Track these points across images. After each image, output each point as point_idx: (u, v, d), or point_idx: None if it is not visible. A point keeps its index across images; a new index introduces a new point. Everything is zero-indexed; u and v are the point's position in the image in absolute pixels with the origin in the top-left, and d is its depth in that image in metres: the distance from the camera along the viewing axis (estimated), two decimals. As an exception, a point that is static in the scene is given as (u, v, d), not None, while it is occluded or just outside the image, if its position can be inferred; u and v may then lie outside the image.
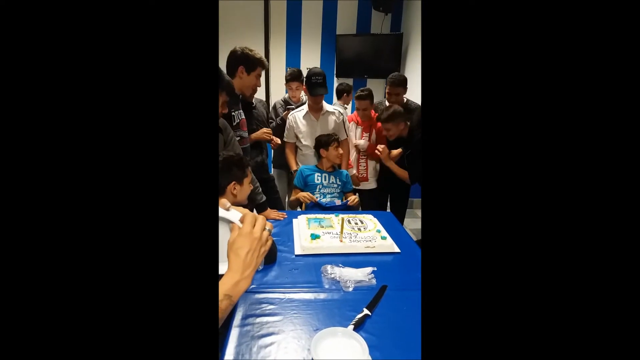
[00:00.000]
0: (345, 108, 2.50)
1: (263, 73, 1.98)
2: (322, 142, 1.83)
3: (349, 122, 2.11)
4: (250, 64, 1.54)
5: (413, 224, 2.94)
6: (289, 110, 2.11)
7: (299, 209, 1.83)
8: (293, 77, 2.19)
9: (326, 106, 1.97)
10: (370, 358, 0.71)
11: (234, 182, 1.13)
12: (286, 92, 2.40)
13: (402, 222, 2.28)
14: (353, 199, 1.79)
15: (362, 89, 2.07)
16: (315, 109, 1.94)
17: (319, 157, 1.90)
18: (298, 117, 1.97)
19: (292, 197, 1.86)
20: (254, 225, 0.51)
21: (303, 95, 2.32)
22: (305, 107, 1.97)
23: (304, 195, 1.77)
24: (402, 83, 2.09)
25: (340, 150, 1.86)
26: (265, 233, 0.53)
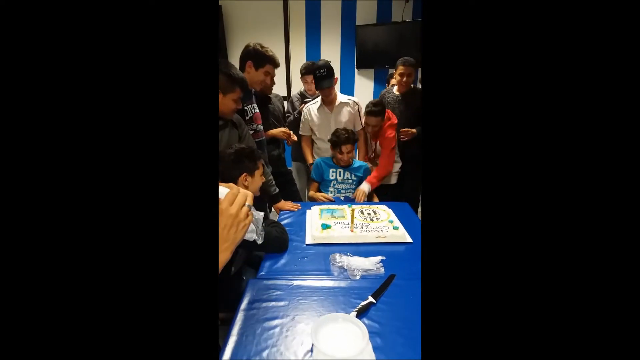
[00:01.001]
0: None
1: (284, 68, 2.01)
2: (332, 141, 1.79)
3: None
4: (259, 59, 1.56)
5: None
6: (305, 103, 2.11)
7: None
8: (308, 70, 2.19)
9: (340, 97, 1.95)
10: (369, 343, 0.72)
11: (245, 174, 1.16)
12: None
13: (416, 209, 2.25)
14: (360, 194, 1.75)
15: (373, 102, 1.86)
16: (328, 102, 1.93)
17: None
18: (312, 110, 1.97)
19: (311, 193, 1.86)
20: (232, 203, 0.53)
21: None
22: (319, 100, 1.96)
23: (321, 198, 1.77)
24: (414, 64, 2.02)
25: (349, 155, 1.78)
26: (245, 209, 0.54)
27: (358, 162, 1.89)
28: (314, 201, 1.82)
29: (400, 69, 2.01)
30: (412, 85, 2.07)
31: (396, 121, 1.91)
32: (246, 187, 1.18)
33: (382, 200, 1.87)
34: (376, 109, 1.81)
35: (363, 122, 1.99)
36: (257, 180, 1.21)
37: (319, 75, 1.80)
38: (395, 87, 2.11)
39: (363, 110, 2.00)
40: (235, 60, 1.65)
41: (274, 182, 1.61)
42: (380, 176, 1.85)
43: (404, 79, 2.01)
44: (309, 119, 1.98)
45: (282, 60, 2.15)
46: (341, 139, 1.74)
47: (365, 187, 1.78)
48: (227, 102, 1.28)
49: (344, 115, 1.94)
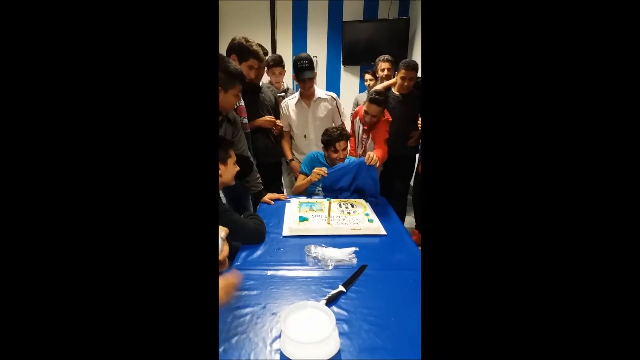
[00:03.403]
0: None
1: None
2: (324, 141, 1.68)
3: (354, 118, 1.99)
4: (243, 53, 1.56)
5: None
6: (280, 97, 2.07)
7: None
8: (275, 62, 2.14)
9: (318, 92, 1.93)
10: (336, 329, 0.74)
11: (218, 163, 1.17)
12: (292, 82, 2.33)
13: (404, 205, 2.28)
14: (370, 157, 1.54)
15: (377, 91, 1.82)
16: (306, 96, 1.90)
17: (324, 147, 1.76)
18: (290, 104, 1.94)
19: (299, 183, 1.76)
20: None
21: (285, 82, 2.27)
22: (297, 95, 1.94)
23: (316, 173, 1.62)
24: (416, 67, 2.01)
25: (344, 152, 1.66)
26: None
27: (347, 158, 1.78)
28: (302, 191, 1.74)
29: (403, 72, 1.98)
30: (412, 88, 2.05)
31: (390, 119, 1.88)
32: (220, 176, 1.19)
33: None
34: (379, 97, 1.76)
35: (342, 118, 1.98)
36: (231, 169, 1.22)
37: (301, 67, 1.79)
38: (394, 87, 2.10)
39: (342, 106, 1.99)
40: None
41: (260, 180, 1.61)
42: (381, 155, 1.69)
43: (405, 82, 1.99)
44: (287, 114, 1.95)
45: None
46: (334, 136, 1.63)
47: (373, 154, 1.57)
48: (228, 98, 1.28)
49: (322, 111, 1.93)
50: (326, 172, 1.61)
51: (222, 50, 1.67)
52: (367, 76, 2.90)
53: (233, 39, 1.61)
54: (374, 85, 2.88)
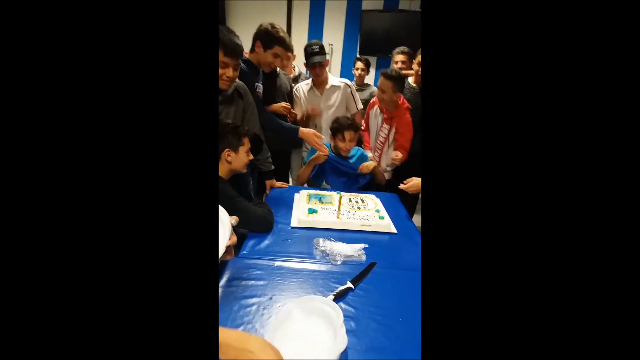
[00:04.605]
0: None
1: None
2: (333, 128, 1.67)
3: (370, 109, 1.91)
4: (267, 40, 1.50)
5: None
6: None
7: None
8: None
9: (331, 80, 1.89)
10: (343, 326, 0.73)
11: (227, 150, 1.16)
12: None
13: (414, 204, 2.25)
14: (366, 166, 1.62)
15: (395, 69, 1.80)
16: (319, 83, 1.86)
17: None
18: (304, 90, 1.91)
19: (301, 170, 1.74)
20: None
21: (297, 67, 2.21)
22: (309, 81, 1.91)
23: (322, 154, 1.61)
24: None
25: (351, 144, 1.64)
26: None
27: (354, 148, 1.77)
28: (305, 179, 1.73)
29: (419, 58, 1.88)
30: None
31: (410, 107, 1.81)
32: (230, 163, 1.17)
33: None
34: (393, 74, 1.70)
35: (357, 104, 1.93)
36: (242, 157, 1.20)
37: (311, 52, 1.75)
38: (412, 78, 1.99)
39: (356, 93, 1.93)
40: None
41: (270, 159, 1.59)
42: (407, 145, 1.75)
43: (422, 68, 1.87)
44: (300, 97, 1.91)
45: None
46: (344, 124, 1.61)
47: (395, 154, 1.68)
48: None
49: (335, 99, 1.88)
50: (327, 152, 1.61)
51: (245, 42, 1.63)
52: (359, 64, 2.58)
53: (260, 25, 1.55)
54: (364, 76, 2.65)
